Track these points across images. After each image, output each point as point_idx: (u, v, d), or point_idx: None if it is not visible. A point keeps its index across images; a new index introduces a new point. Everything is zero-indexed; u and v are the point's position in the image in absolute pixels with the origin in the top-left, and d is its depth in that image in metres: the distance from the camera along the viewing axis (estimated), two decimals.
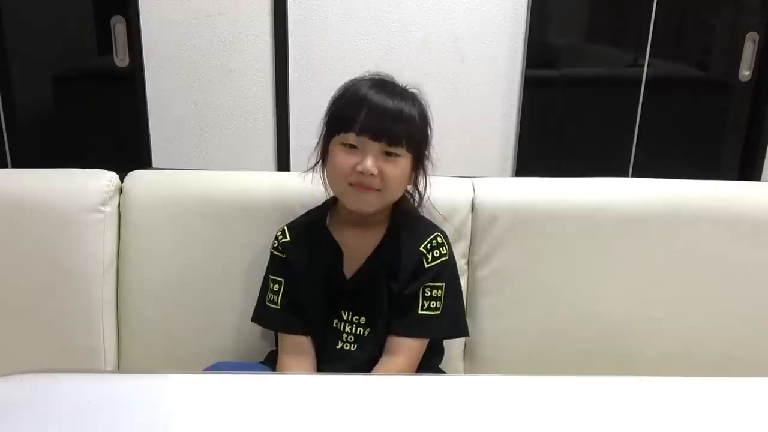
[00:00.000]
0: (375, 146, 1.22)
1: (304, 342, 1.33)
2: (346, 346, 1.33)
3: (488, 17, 2.64)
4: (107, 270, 1.48)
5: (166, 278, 1.50)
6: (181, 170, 1.59)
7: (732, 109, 2.90)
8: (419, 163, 1.31)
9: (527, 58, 2.68)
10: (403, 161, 1.25)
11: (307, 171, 1.34)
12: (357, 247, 1.33)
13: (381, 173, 1.23)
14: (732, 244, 1.50)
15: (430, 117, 1.31)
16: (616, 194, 1.53)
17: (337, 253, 1.32)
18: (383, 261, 1.31)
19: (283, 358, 1.33)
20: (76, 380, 1.07)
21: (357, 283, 1.32)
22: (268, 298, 1.37)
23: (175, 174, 1.58)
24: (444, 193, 1.46)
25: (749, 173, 2.86)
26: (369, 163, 1.21)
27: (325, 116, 1.29)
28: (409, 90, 1.30)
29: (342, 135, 1.24)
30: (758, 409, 1.04)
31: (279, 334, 1.36)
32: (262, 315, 1.38)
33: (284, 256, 1.35)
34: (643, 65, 2.74)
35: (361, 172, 1.22)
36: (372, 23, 2.60)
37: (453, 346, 1.50)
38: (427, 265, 1.30)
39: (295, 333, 1.34)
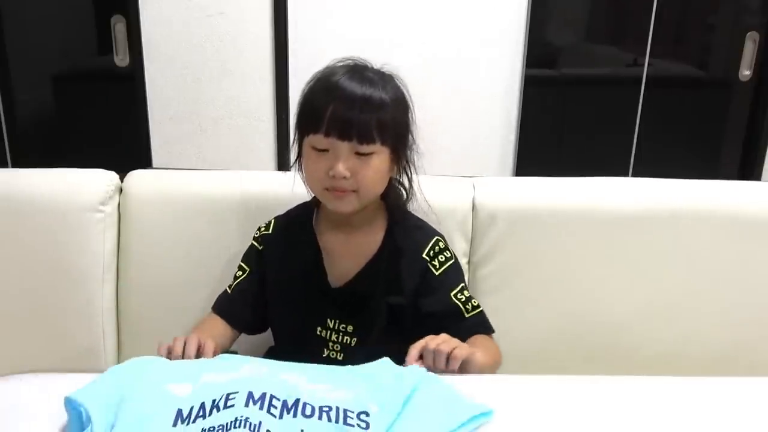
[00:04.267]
0: (345, 146, 1.15)
1: (224, 332, 1.30)
2: (332, 354, 1.28)
3: (488, 17, 2.64)
4: (107, 269, 1.47)
5: (166, 278, 1.50)
6: (181, 170, 1.59)
7: (732, 108, 2.90)
8: (400, 152, 1.23)
9: (527, 57, 2.68)
10: (379, 157, 1.18)
11: (289, 168, 1.31)
12: (347, 254, 1.27)
13: (354, 174, 1.16)
14: (732, 243, 1.50)
15: (409, 100, 1.24)
16: (616, 194, 1.53)
17: (316, 255, 1.27)
18: (381, 272, 1.26)
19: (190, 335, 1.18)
20: (76, 380, 1.07)
21: (350, 293, 1.26)
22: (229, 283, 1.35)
23: (175, 174, 1.58)
24: (444, 192, 1.45)
25: (749, 173, 2.86)
26: (340, 168, 1.15)
27: (296, 114, 1.23)
28: (383, 74, 1.23)
29: (311, 137, 1.18)
30: (758, 409, 1.04)
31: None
32: (217, 298, 1.36)
33: (260, 248, 1.33)
34: (644, 65, 2.74)
35: (333, 176, 1.16)
36: (372, 23, 2.60)
37: None
38: (437, 274, 1.25)
39: (223, 318, 1.31)
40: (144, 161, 2.71)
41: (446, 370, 1.03)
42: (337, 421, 0.85)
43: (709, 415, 1.02)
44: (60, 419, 0.96)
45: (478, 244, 1.49)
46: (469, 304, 1.26)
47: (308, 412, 0.86)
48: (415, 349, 1.04)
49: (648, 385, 1.09)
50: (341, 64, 1.23)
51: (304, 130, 1.21)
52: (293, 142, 1.26)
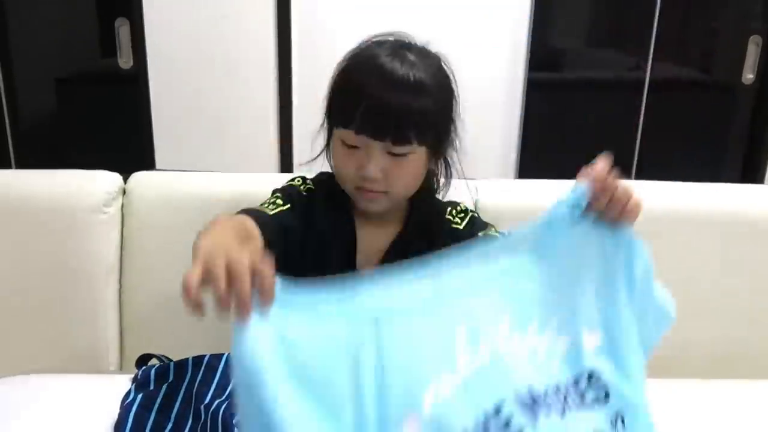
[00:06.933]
0: (377, 145, 1.03)
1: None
2: None
3: (491, 21, 2.64)
4: (110, 271, 1.48)
5: (169, 279, 1.49)
6: (184, 171, 1.59)
7: (735, 112, 2.90)
8: (439, 150, 1.12)
9: (530, 61, 2.68)
10: (415, 157, 1.06)
11: (313, 160, 1.19)
12: (373, 244, 1.17)
13: (386, 175, 1.06)
14: (735, 247, 1.50)
15: (454, 87, 1.11)
16: None
17: (352, 239, 1.16)
18: (404, 251, 1.13)
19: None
20: (76, 380, 1.07)
21: None
22: (260, 204, 1.13)
23: (178, 175, 1.58)
24: (447, 195, 1.45)
25: (752, 176, 2.85)
26: (371, 170, 1.04)
27: (326, 99, 1.11)
28: (427, 56, 1.08)
29: (341, 130, 1.06)
30: (758, 411, 1.04)
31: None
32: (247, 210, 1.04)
33: (305, 197, 1.16)
34: (646, 68, 2.74)
35: (364, 177, 1.06)
36: (375, 26, 2.60)
37: None
38: (461, 227, 1.18)
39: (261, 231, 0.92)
40: (147, 163, 2.71)
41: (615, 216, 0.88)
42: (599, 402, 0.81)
43: (708, 417, 1.02)
44: (60, 419, 0.97)
45: None
46: (506, 233, 1.16)
47: (579, 401, 0.79)
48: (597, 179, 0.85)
49: (648, 386, 1.09)
50: (381, 41, 1.11)
51: (333, 120, 1.10)
52: (321, 127, 1.14)
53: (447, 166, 1.18)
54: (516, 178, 2.82)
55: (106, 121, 2.78)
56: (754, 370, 1.51)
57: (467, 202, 1.47)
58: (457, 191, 1.50)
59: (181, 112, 2.71)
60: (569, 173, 1.59)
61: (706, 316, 1.52)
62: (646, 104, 2.78)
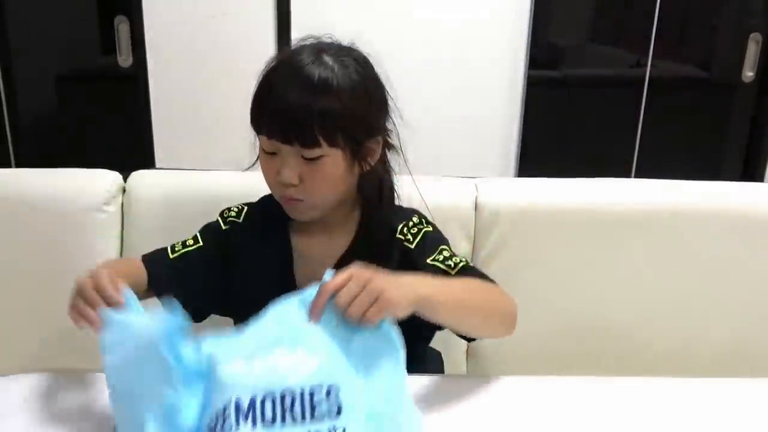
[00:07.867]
0: (290, 150, 1.03)
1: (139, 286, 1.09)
2: None
3: (491, 18, 2.64)
4: None
5: None
6: (184, 170, 1.59)
7: (735, 110, 2.90)
8: (360, 149, 1.06)
9: (530, 58, 2.68)
10: (330, 161, 1.03)
11: (248, 168, 1.20)
12: (319, 256, 1.14)
13: (303, 181, 1.04)
14: (734, 244, 1.50)
15: (373, 85, 1.07)
16: (619, 195, 1.53)
17: (288, 258, 1.15)
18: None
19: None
20: (76, 380, 1.07)
21: None
22: (170, 245, 1.18)
23: (178, 174, 1.58)
24: (447, 193, 1.46)
25: (752, 174, 2.86)
26: (286, 174, 1.03)
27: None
28: (340, 58, 1.05)
29: (260, 137, 1.08)
30: (759, 410, 1.04)
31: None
32: (150, 254, 1.16)
33: (225, 229, 1.19)
34: (646, 66, 2.74)
35: (281, 183, 1.05)
36: (375, 25, 2.60)
37: (456, 347, 1.50)
38: (413, 248, 1.12)
39: (150, 281, 1.12)
40: (147, 161, 2.71)
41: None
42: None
43: (711, 416, 1.02)
44: (60, 419, 0.97)
45: (481, 244, 1.49)
46: (451, 261, 1.10)
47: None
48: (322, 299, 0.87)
49: (649, 386, 1.09)
50: (302, 45, 1.09)
51: (253, 127, 1.11)
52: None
53: (387, 164, 1.14)
54: (516, 176, 2.82)
55: (105, 120, 2.78)
56: (756, 370, 1.51)
57: (467, 202, 1.47)
58: (457, 190, 1.50)
59: (180, 111, 2.71)
60: (569, 171, 1.60)
61: (707, 313, 1.52)
62: (646, 102, 2.78)
